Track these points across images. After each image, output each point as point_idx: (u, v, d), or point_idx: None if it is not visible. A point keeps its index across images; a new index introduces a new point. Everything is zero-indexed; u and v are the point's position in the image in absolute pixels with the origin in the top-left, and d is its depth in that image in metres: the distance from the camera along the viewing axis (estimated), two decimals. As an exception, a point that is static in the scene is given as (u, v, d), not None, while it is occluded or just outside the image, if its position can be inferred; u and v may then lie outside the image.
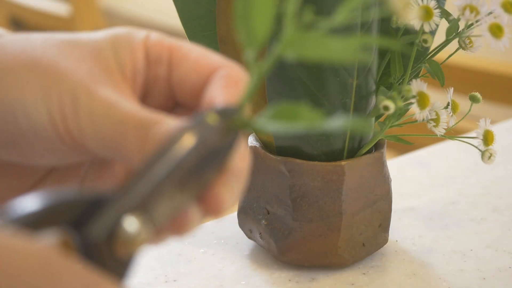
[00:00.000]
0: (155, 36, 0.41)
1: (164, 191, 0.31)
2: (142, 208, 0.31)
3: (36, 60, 0.38)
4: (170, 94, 0.41)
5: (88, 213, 0.31)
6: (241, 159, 0.36)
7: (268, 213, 0.56)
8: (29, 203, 0.30)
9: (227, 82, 0.39)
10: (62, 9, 1.54)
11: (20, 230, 0.30)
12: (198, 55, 0.40)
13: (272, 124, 0.33)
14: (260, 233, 0.57)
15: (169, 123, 0.36)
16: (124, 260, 0.31)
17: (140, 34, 0.41)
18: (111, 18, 1.79)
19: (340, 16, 0.34)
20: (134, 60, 0.40)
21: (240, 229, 0.60)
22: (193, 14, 0.56)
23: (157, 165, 0.32)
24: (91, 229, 0.31)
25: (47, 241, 0.30)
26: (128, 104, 0.37)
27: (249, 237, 0.59)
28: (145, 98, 0.41)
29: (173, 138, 0.32)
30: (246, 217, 0.58)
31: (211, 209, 0.36)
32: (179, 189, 0.32)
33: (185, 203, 0.33)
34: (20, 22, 1.83)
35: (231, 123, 0.33)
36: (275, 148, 0.56)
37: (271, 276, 0.56)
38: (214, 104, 0.37)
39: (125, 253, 0.31)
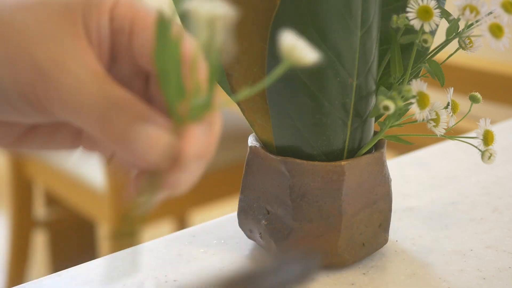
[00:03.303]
0: (123, 3, 0.41)
1: None
2: None
3: (5, 21, 0.39)
4: (133, 61, 0.41)
5: None
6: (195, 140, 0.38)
7: (268, 213, 0.56)
8: None
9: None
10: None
11: None
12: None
13: None
14: (260, 233, 0.57)
15: (152, 128, 0.38)
16: None
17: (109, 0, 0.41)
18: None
19: None
20: (100, 26, 0.40)
21: (240, 229, 0.60)
22: (193, 14, 0.56)
23: None
24: None
25: None
26: (112, 87, 0.39)
27: (249, 237, 0.59)
28: (112, 65, 0.41)
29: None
30: (246, 217, 0.58)
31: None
32: None
33: None
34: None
35: None
36: (275, 148, 0.56)
37: (271, 276, 0.56)
38: None
39: None
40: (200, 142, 0.38)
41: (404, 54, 0.55)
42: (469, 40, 0.55)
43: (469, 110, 0.57)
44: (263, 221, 0.56)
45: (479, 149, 0.56)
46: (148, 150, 0.37)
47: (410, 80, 0.54)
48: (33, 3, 0.40)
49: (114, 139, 0.38)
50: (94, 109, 0.38)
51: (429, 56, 0.56)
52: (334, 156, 0.55)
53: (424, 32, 0.53)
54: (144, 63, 0.41)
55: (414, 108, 0.52)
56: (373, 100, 0.55)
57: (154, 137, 0.37)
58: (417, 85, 0.53)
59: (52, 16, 0.39)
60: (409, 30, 0.54)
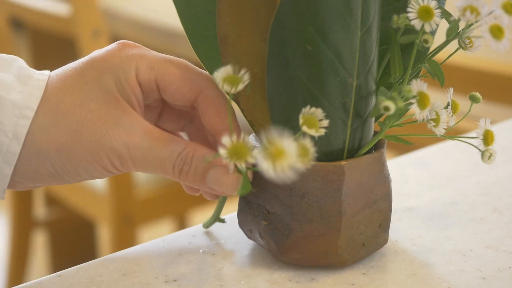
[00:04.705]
0: (143, 69, 0.53)
1: None
2: None
3: (67, 113, 0.52)
4: (158, 97, 0.56)
5: None
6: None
7: (268, 213, 0.56)
8: None
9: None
10: (62, 9, 1.54)
11: None
12: (180, 82, 0.54)
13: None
14: (260, 233, 0.57)
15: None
16: None
17: (130, 71, 0.53)
18: (111, 18, 1.79)
19: None
20: (135, 94, 0.53)
21: (240, 229, 0.60)
22: (193, 14, 0.56)
23: None
24: None
25: None
26: (175, 143, 0.53)
27: (249, 237, 0.59)
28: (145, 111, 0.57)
29: None
30: (246, 217, 0.58)
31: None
32: None
33: None
34: (20, 22, 1.83)
35: None
36: (275, 148, 0.55)
37: (271, 276, 0.56)
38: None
39: None
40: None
41: (404, 54, 0.55)
42: (469, 40, 0.55)
43: (469, 110, 0.57)
44: (263, 221, 0.56)
45: (479, 149, 0.56)
46: (220, 187, 0.53)
47: (410, 80, 0.54)
48: (77, 94, 0.52)
49: (190, 183, 0.54)
50: (166, 164, 0.52)
51: (429, 56, 0.56)
52: (334, 156, 0.55)
53: (424, 32, 0.53)
54: (176, 102, 0.55)
55: (414, 108, 0.52)
56: (373, 100, 0.55)
57: (223, 178, 0.53)
58: (417, 85, 0.53)
59: (102, 104, 0.52)
60: (409, 30, 0.54)
